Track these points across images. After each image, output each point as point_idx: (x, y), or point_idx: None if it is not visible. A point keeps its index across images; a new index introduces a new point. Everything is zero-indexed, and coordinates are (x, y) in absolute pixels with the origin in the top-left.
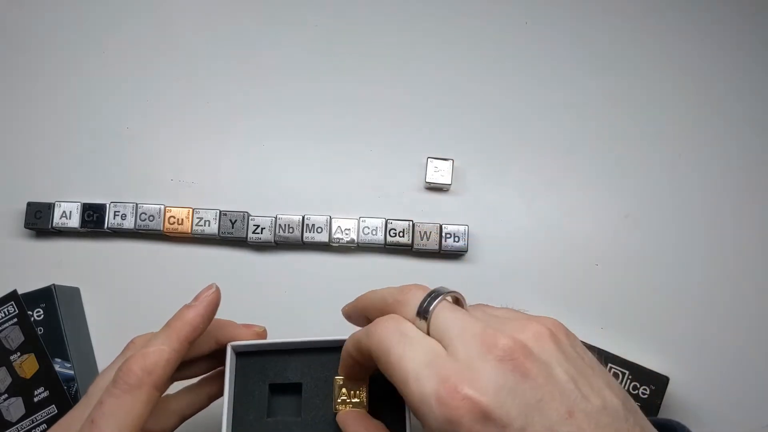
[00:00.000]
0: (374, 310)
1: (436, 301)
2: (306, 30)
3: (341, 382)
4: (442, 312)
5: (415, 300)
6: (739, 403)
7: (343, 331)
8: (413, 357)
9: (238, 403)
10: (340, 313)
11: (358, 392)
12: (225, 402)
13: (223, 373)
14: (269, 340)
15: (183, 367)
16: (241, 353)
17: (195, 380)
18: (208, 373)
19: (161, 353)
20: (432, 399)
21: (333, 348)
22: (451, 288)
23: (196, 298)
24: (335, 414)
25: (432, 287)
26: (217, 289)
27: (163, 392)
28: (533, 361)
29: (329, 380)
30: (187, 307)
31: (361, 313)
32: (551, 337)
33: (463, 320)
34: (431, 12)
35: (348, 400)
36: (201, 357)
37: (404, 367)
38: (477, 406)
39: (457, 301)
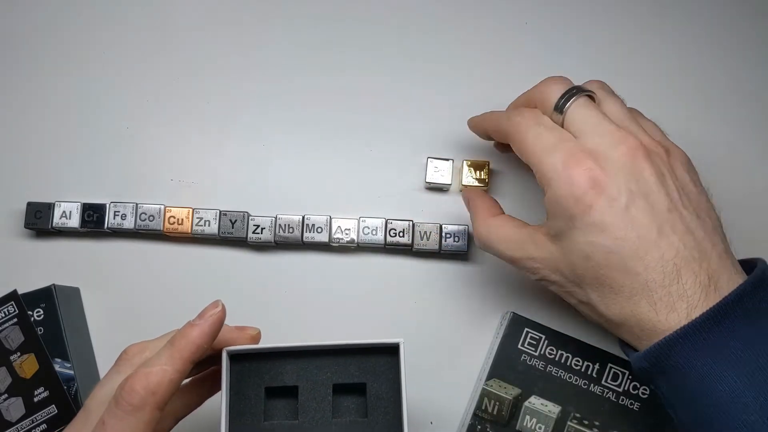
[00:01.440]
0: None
1: (574, 98)
2: (306, 29)
3: (469, 163)
4: (578, 109)
5: (554, 95)
6: None
7: (343, 331)
8: (547, 138)
9: (234, 407)
10: (340, 313)
11: (481, 172)
12: (222, 407)
13: (216, 372)
14: (265, 344)
15: None
16: (237, 357)
17: (187, 380)
18: (201, 374)
19: (164, 373)
20: (559, 164)
21: (328, 351)
22: (587, 87)
23: (200, 316)
24: (461, 191)
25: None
26: (223, 307)
27: (164, 410)
28: (653, 164)
29: (325, 384)
30: (191, 325)
31: (498, 135)
32: (673, 159)
33: (597, 118)
34: (431, 12)
35: (473, 177)
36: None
37: (538, 144)
38: (596, 175)
39: (592, 98)
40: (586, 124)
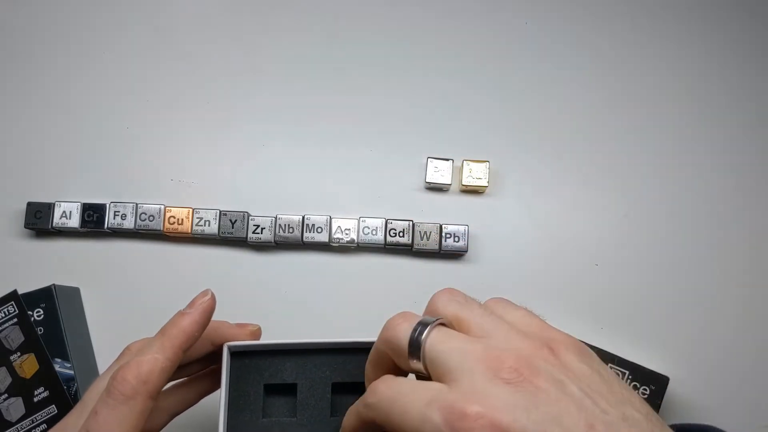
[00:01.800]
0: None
1: (425, 333)
2: (306, 30)
3: (469, 163)
4: (435, 345)
5: (402, 336)
6: (739, 403)
7: (342, 331)
8: (413, 405)
9: (233, 403)
10: (340, 313)
11: (481, 172)
12: (221, 403)
13: (213, 370)
14: (265, 341)
15: (178, 370)
16: (237, 354)
17: (185, 378)
18: (199, 372)
19: (156, 362)
20: (442, 427)
21: (328, 349)
22: (434, 313)
23: (191, 305)
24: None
25: (418, 316)
26: (212, 296)
27: (157, 400)
28: (545, 378)
29: (324, 382)
30: (181, 314)
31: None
32: (563, 354)
33: (461, 346)
34: (431, 13)
35: (473, 177)
36: (196, 359)
37: (409, 419)
38: (491, 421)
39: (443, 323)
40: (451, 359)
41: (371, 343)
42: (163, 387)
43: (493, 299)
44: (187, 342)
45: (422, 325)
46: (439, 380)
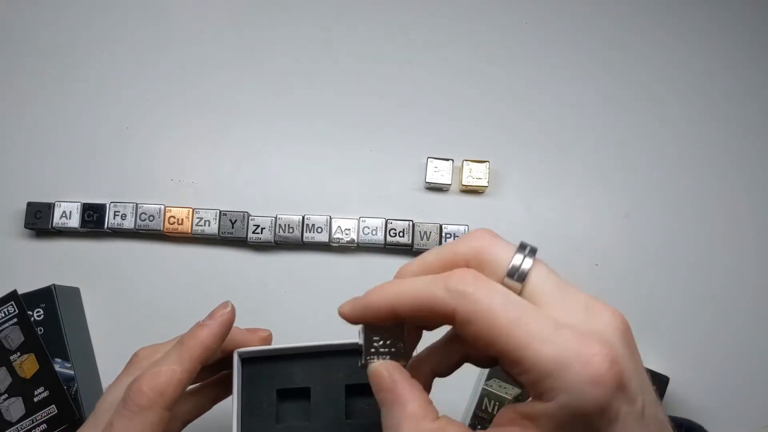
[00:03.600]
0: (418, 292)
1: (532, 261)
2: (306, 30)
3: (468, 163)
4: (540, 276)
5: (503, 256)
6: (739, 403)
7: (343, 331)
8: (533, 321)
9: (246, 410)
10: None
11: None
12: (234, 410)
13: (225, 377)
14: (275, 345)
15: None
16: (248, 360)
17: (197, 384)
18: (212, 378)
19: (173, 373)
20: (573, 360)
21: (339, 351)
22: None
23: (210, 316)
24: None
25: (501, 236)
26: (233, 308)
27: (172, 410)
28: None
29: (337, 384)
30: (200, 325)
31: (405, 301)
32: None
33: (563, 287)
34: (431, 13)
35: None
36: (207, 366)
37: (524, 330)
38: (619, 374)
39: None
40: (556, 297)
41: None
42: (179, 398)
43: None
44: (204, 353)
45: (526, 248)
46: (532, 302)
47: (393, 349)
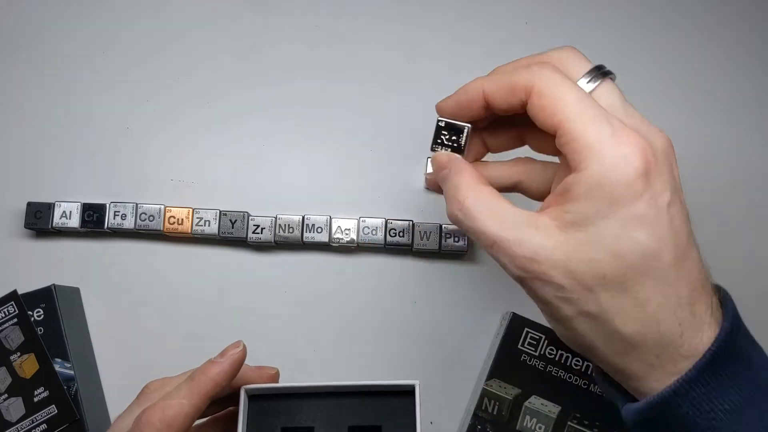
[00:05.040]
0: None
1: (604, 77)
2: (306, 30)
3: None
4: (608, 88)
5: (580, 67)
6: None
7: (344, 333)
8: (592, 105)
9: None
10: (340, 313)
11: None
12: None
13: (232, 413)
14: (283, 384)
15: None
16: (254, 397)
17: (205, 419)
18: (219, 413)
19: (182, 407)
20: (611, 137)
21: (344, 393)
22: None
23: (222, 354)
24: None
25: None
26: (244, 347)
27: None
28: (675, 162)
29: (341, 425)
30: (212, 362)
31: (507, 91)
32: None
33: (627, 105)
34: (431, 12)
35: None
36: (215, 400)
37: (584, 107)
38: (650, 161)
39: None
40: (618, 107)
41: (388, 387)
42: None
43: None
44: (214, 390)
45: (602, 68)
46: None
47: (455, 145)
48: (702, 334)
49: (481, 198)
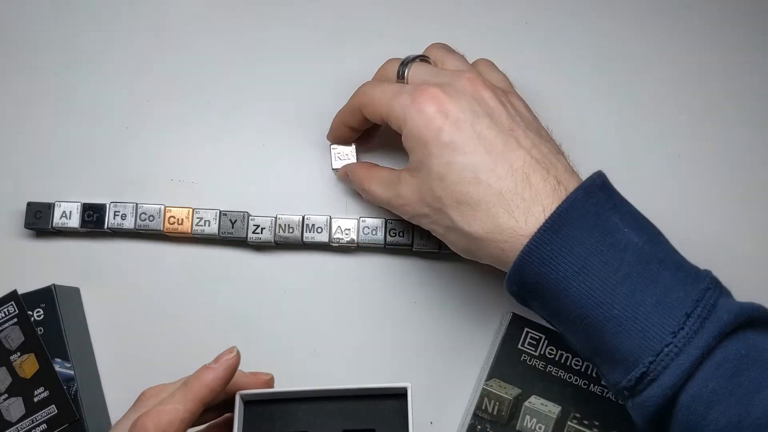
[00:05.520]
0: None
1: (411, 63)
2: (306, 29)
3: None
4: (417, 68)
5: (393, 68)
6: None
7: (344, 332)
8: (392, 88)
9: None
10: (340, 313)
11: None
12: None
13: (228, 420)
14: (278, 389)
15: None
16: (250, 402)
17: (202, 426)
18: (215, 420)
19: (176, 413)
20: (408, 100)
21: (338, 397)
22: (423, 53)
23: (216, 360)
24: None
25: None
26: (238, 353)
27: None
28: (492, 92)
29: (336, 428)
30: (206, 368)
31: (352, 115)
32: (514, 98)
33: (436, 71)
34: (431, 12)
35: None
36: (211, 407)
37: (385, 96)
38: (441, 99)
39: (427, 61)
40: (427, 74)
41: (381, 390)
42: None
43: (481, 60)
44: (208, 396)
45: (408, 58)
46: None
47: (348, 157)
48: (540, 208)
49: (372, 179)
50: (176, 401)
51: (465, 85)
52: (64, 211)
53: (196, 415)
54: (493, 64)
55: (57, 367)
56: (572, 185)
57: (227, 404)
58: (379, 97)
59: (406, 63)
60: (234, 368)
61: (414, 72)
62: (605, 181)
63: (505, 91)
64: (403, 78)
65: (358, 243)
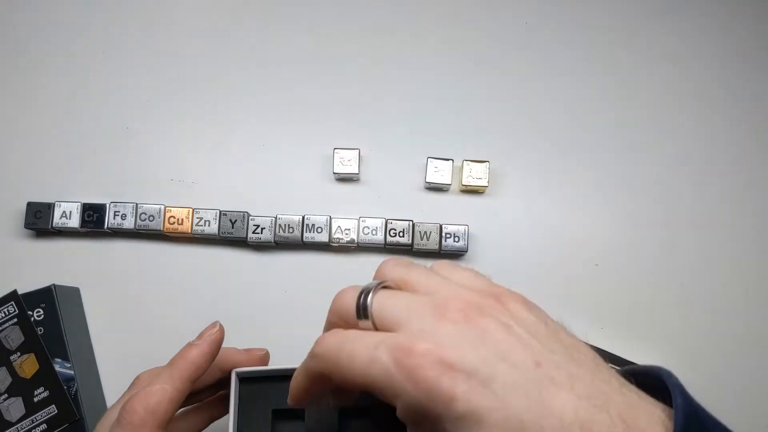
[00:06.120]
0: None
1: (371, 293)
2: (306, 29)
3: (468, 162)
4: (382, 302)
5: (350, 302)
6: (741, 403)
7: None
8: (361, 348)
9: (242, 429)
10: None
11: (480, 171)
12: (230, 429)
13: (221, 396)
14: (273, 366)
15: (189, 396)
16: (245, 380)
17: (193, 405)
18: (210, 398)
19: (164, 392)
20: (391, 368)
21: None
22: (378, 278)
23: (199, 337)
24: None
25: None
26: (221, 328)
27: (166, 429)
28: (492, 320)
29: (331, 407)
30: (190, 345)
31: (316, 382)
32: (510, 303)
33: (408, 299)
34: (431, 12)
35: (473, 177)
36: (206, 386)
37: (357, 362)
38: (438, 356)
39: (388, 286)
40: (398, 311)
41: None
42: (171, 417)
43: (439, 262)
44: (195, 373)
45: (367, 288)
46: (388, 331)
47: (351, 163)
48: None
49: None
50: (163, 381)
51: (456, 324)
52: (64, 211)
53: (184, 394)
54: (455, 263)
55: (57, 367)
56: (642, 419)
57: (222, 383)
58: (347, 362)
59: (364, 295)
60: (218, 343)
61: (379, 310)
62: (696, 409)
63: (501, 302)
64: (366, 316)
65: (358, 243)
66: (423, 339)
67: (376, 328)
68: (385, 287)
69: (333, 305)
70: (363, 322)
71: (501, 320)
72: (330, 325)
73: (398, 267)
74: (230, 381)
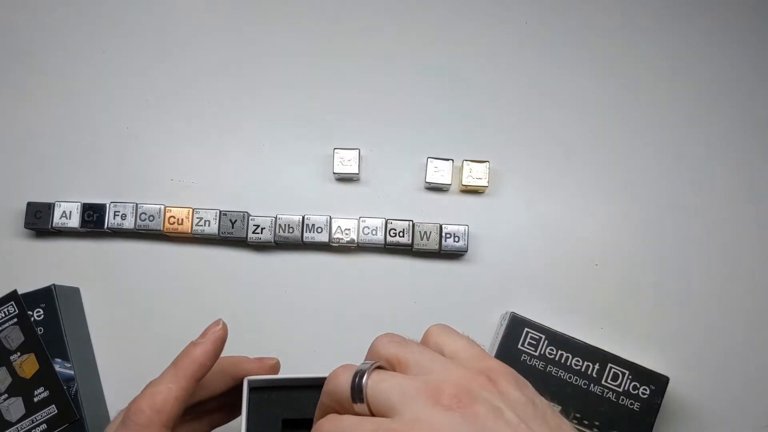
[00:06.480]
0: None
1: (365, 376)
2: (306, 29)
3: (468, 162)
4: (376, 385)
5: (344, 385)
6: (739, 403)
7: (343, 331)
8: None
9: None
10: (341, 313)
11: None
12: None
13: (225, 404)
14: (283, 375)
15: (199, 406)
16: (256, 388)
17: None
18: (213, 405)
19: (169, 392)
20: None
21: None
22: (371, 358)
23: (203, 335)
24: None
25: (359, 364)
26: (224, 325)
27: (173, 429)
28: (483, 404)
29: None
30: (194, 344)
31: None
32: (500, 383)
33: (400, 383)
34: (431, 12)
35: (473, 177)
36: (219, 394)
37: None
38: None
39: (382, 367)
40: (393, 396)
41: None
42: (178, 416)
43: (434, 327)
44: (199, 371)
45: (361, 370)
46: (383, 416)
47: (351, 163)
48: None
49: None
50: (168, 380)
51: (450, 414)
52: (64, 211)
53: (189, 392)
54: (447, 329)
55: (57, 367)
56: None
57: (229, 392)
58: None
59: (358, 378)
60: (222, 340)
61: (374, 395)
62: None
63: (491, 381)
64: (361, 399)
65: (358, 243)
66: (417, 428)
67: (371, 412)
68: (378, 367)
69: (327, 387)
70: (358, 406)
71: (493, 404)
72: (324, 409)
73: (391, 345)
74: (242, 389)
